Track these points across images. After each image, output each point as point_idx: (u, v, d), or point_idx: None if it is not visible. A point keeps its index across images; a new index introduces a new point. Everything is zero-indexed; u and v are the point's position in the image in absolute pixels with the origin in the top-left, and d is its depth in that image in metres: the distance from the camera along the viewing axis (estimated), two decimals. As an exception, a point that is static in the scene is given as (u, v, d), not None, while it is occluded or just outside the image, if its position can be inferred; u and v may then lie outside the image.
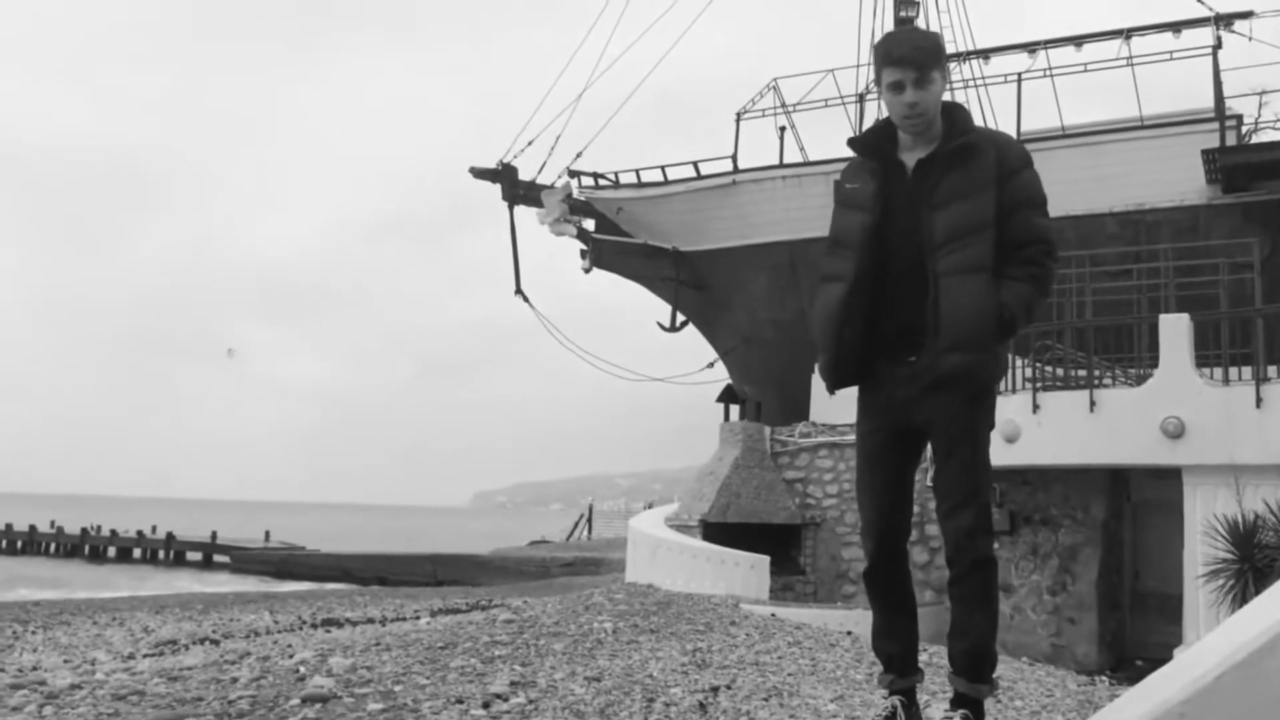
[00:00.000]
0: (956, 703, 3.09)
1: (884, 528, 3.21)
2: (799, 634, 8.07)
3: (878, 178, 3.15)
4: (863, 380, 3.21)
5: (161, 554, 45.41)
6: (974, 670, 3.07)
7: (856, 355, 3.13)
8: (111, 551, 46.53)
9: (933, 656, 7.07)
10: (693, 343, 23.55)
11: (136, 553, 46.16)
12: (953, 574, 3.10)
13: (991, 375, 3.12)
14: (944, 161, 3.07)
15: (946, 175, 3.06)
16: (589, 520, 49.95)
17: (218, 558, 43.27)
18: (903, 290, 3.06)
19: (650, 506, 27.03)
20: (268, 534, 48.97)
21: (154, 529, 48.65)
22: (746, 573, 13.19)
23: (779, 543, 15.27)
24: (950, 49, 20.95)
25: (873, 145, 3.23)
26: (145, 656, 9.33)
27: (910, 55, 3.06)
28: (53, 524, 50.44)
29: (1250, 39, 18.22)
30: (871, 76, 21.70)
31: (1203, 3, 18.94)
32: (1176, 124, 17.60)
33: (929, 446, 3.21)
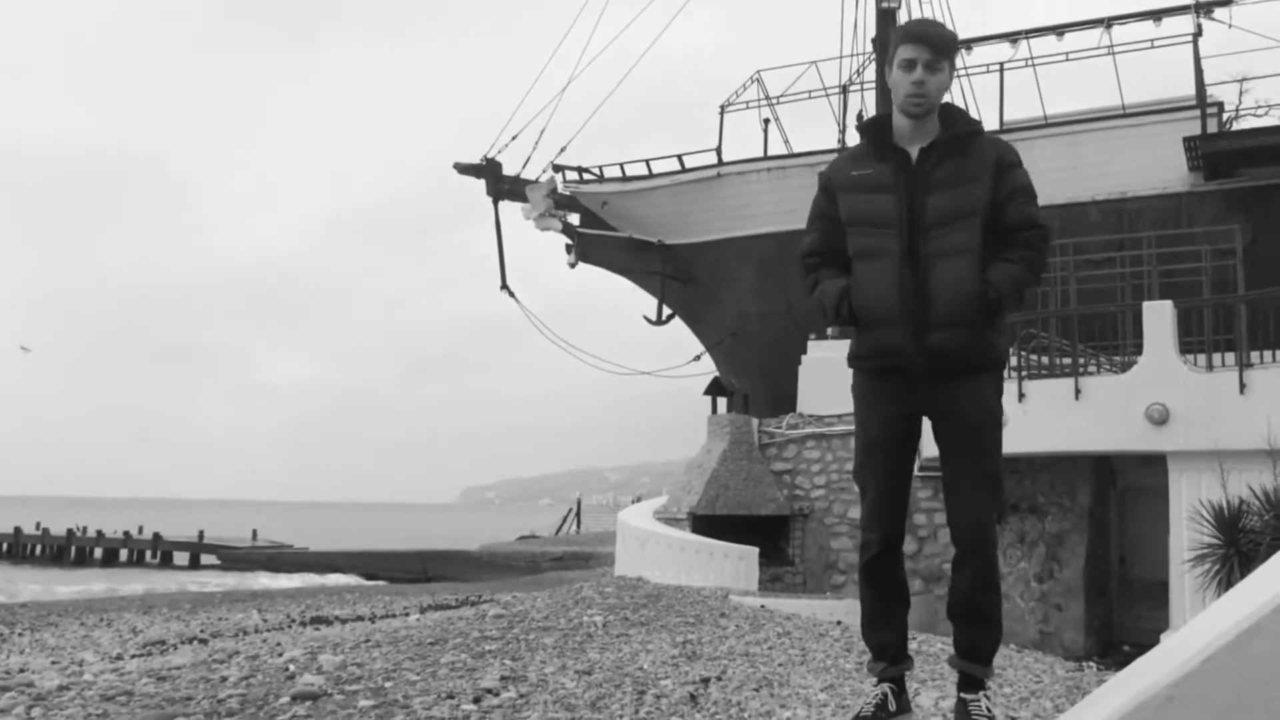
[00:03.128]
0: (971, 685, 3.18)
1: (889, 517, 3.24)
2: (788, 624, 8.09)
3: (890, 162, 3.20)
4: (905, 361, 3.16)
5: (149, 554, 45.19)
6: (991, 655, 3.20)
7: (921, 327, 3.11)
8: (98, 553, 46.28)
9: (921, 645, 7.10)
10: (680, 336, 23.57)
11: (123, 554, 45.90)
12: (972, 565, 3.14)
13: (986, 353, 3.15)
14: (944, 148, 3.16)
15: (943, 162, 3.15)
16: (578, 515, 49.97)
17: (205, 557, 43.08)
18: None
19: (639, 500, 27.05)
20: (255, 533, 48.82)
21: (140, 530, 48.41)
22: (735, 564, 13.21)
23: (767, 534, 15.30)
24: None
25: (874, 132, 3.28)
26: (133, 657, 9.29)
27: (931, 35, 3.18)
28: (38, 526, 50.15)
29: (1230, 26, 18.30)
30: (855, 72, 21.49)
31: (1183, -9, 19.02)
32: (1158, 112, 17.66)
33: (932, 433, 3.24)
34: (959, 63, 20.26)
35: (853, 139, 20.12)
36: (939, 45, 3.15)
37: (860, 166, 3.26)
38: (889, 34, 20.37)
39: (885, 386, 3.20)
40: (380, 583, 29.37)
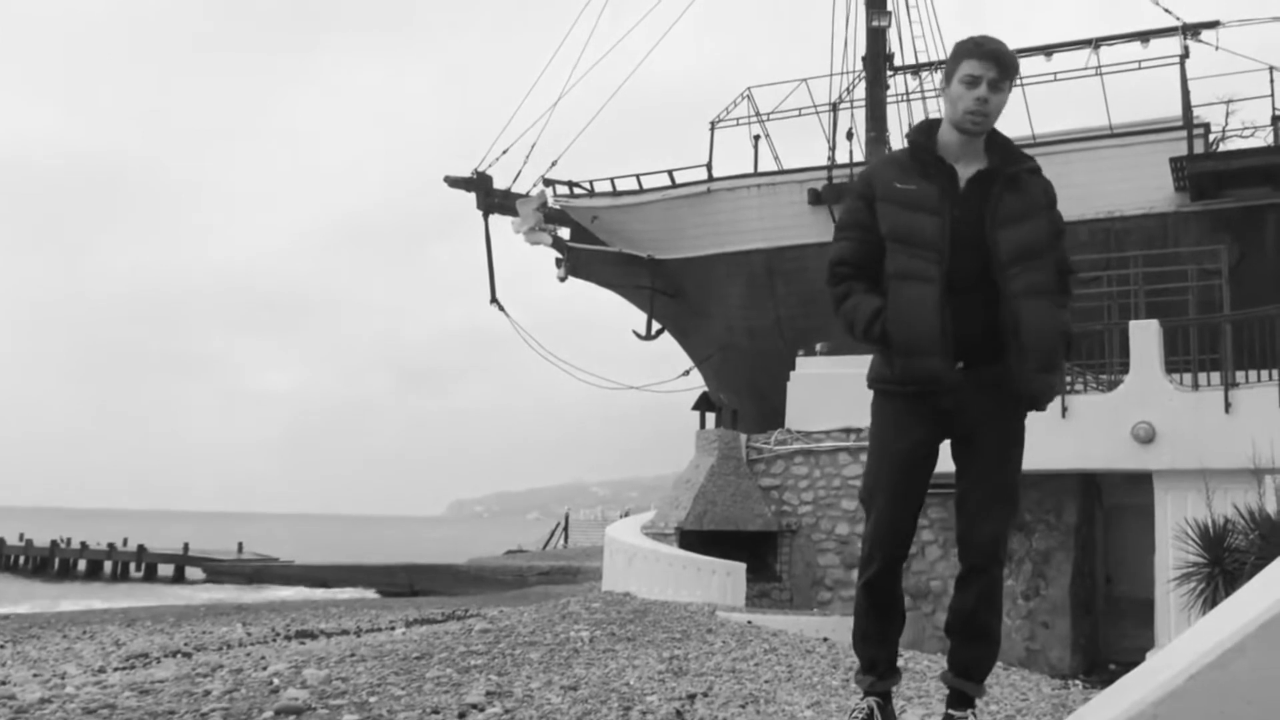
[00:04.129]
0: (960, 702, 3.20)
1: (897, 537, 3.24)
2: (775, 641, 8.08)
3: (934, 180, 3.12)
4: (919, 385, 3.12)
5: (133, 567, 44.85)
6: (986, 674, 3.23)
7: (954, 354, 3.07)
8: (82, 565, 45.94)
9: (908, 661, 7.10)
10: (669, 351, 23.59)
11: (107, 566, 45.55)
12: (979, 584, 3.17)
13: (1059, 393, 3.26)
14: (1005, 182, 3.13)
15: (1005, 196, 3.11)
16: (565, 529, 49.81)
17: (190, 570, 42.79)
18: (961, 299, 3.05)
19: (627, 515, 27.01)
20: (241, 545, 48.53)
21: (125, 541, 48.07)
22: (723, 580, 13.19)
23: (755, 550, 15.29)
24: (922, 59, 21.12)
25: (923, 143, 3.20)
26: (116, 670, 9.21)
27: (1001, 54, 3.11)
28: (21, 537, 49.76)
29: (1217, 48, 18.45)
30: (845, 90, 21.51)
31: (1170, 13, 19.20)
32: (1145, 132, 17.78)
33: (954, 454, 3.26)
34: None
35: (842, 156, 20.21)
36: (1007, 65, 3.11)
37: (905, 179, 3.15)
38: (880, 52, 20.56)
39: (917, 410, 3.14)
40: (367, 595, 29.21)
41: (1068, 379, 12.25)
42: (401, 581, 34.80)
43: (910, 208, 3.10)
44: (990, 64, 3.07)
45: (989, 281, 3.05)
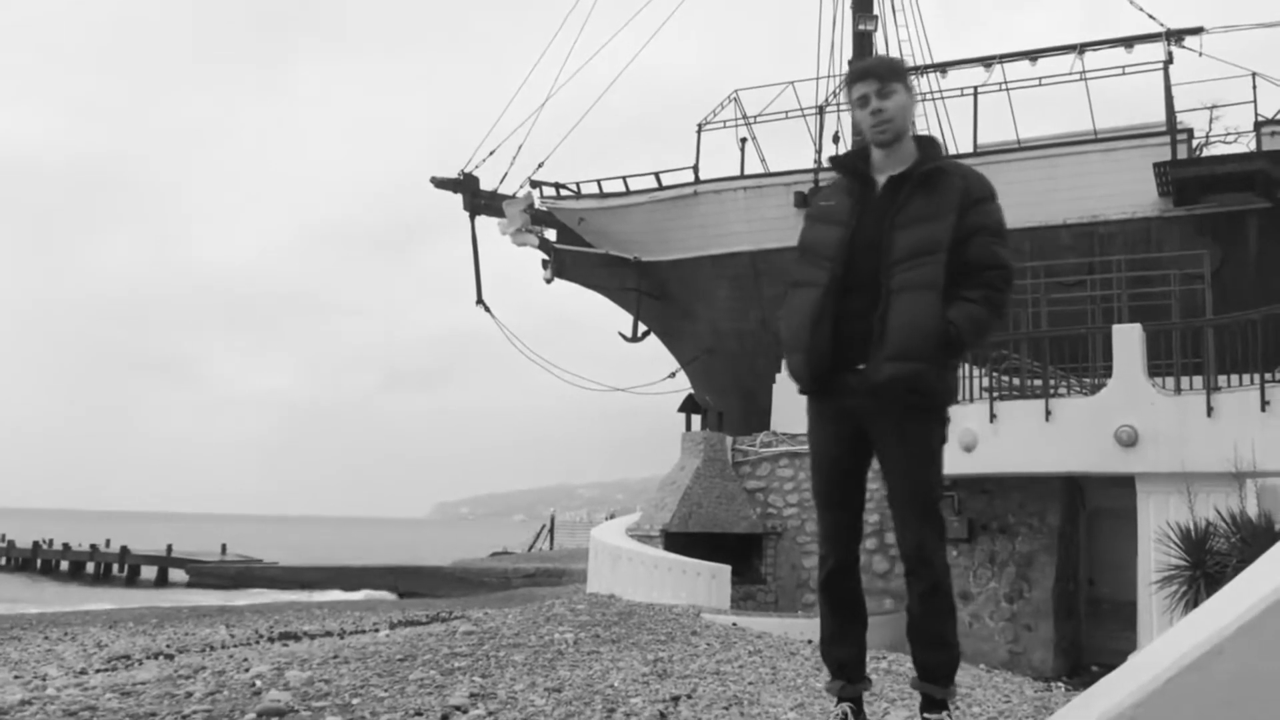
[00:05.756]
0: (932, 706, 3.20)
1: (842, 536, 3.30)
2: (760, 643, 8.09)
3: (854, 195, 3.29)
4: (822, 385, 3.25)
5: (116, 568, 44.60)
6: (950, 676, 3.22)
7: (829, 354, 3.18)
8: (64, 565, 45.67)
9: (891, 664, 7.12)
10: (655, 353, 23.59)
11: (90, 567, 45.31)
12: (919, 589, 3.18)
13: (934, 389, 3.15)
14: (913, 183, 3.21)
15: (913, 197, 3.19)
16: (551, 531, 49.76)
17: (173, 571, 42.57)
18: (859, 301, 3.15)
19: (613, 517, 27.00)
20: (224, 547, 48.31)
21: (108, 543, 47.81)
22: (708, 582, 13.20)
23: (740, 552, 15.31)
24: (909, 63, 21.20)
25: (849, 163, 3.37)
26: (98, 671, 9.16)
27: (872, 68, 3.31)
28: (3, 538, 49.43)
29: (1200, 54, 18.59)
30: (831, 93, 21.72)
31: (1154, 19, 19.33)
32: (1129, 137, 17.88)
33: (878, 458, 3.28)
34: (934, 84, 20.54)
35: (828, 159, 20.29)
36: (882, 72, 3.27)
37: (831, 196, 3.37)
38: (866, 56, 20.63)
39: (825, 407, 3.28)
40: (352, 597, 29.12)
41: (1053, 382, 12.31)
42: (386, 584, 34.71)
43: (822, 221, 3.31)
44: (867, 80, 3.26)
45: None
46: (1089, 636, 13.60)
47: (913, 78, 3.52)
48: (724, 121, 21.64)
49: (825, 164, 20.08)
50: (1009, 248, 3.25)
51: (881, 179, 3.26)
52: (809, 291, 3.23)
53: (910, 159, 3.25)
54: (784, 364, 3.40)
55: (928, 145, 3.32)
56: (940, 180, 3.20)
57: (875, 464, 3.30)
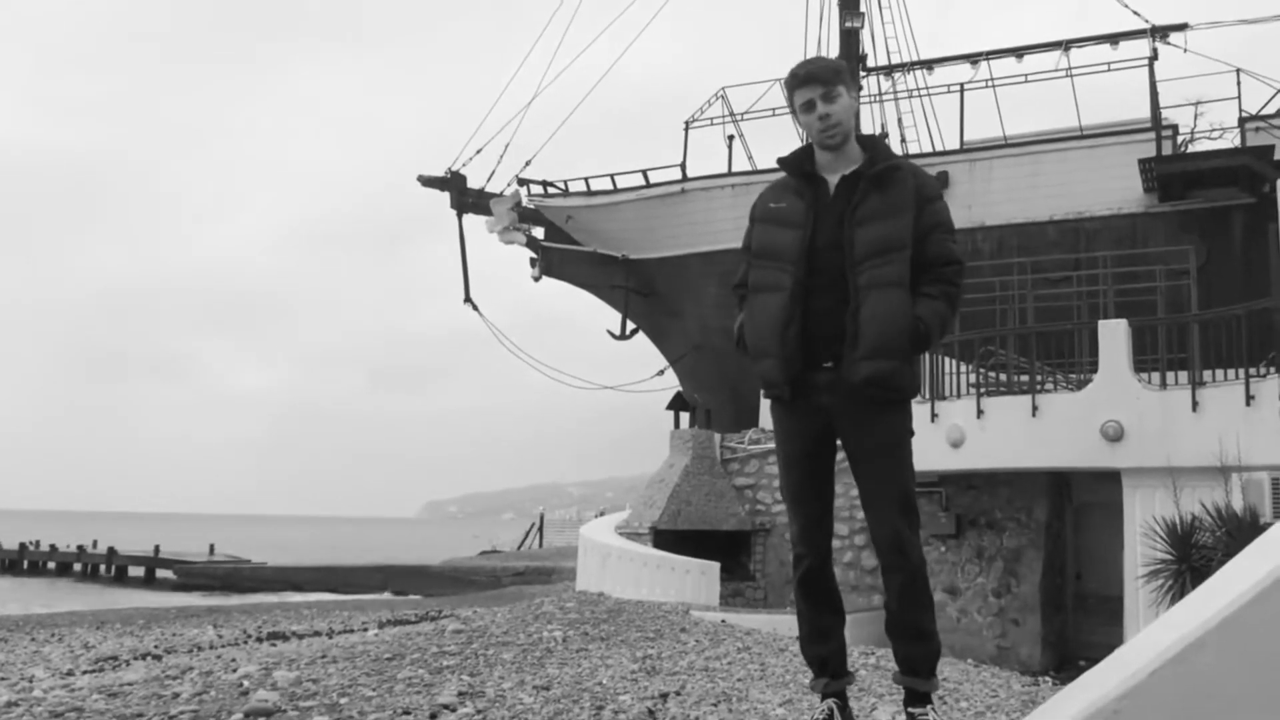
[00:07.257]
0: (916, 700, 3.22)
1: (815, 532, 3.32)
2: (748, 639, 8.11)
3: (804, 196, 3.28)
4: (793, 385, 3.26)
5: (103, 569, 44.39)
6: (932, 668, 3.24)
7: (801, 356, 3.19)
8: (51, 566, 45.45)
9: (880, 660, 7.14)
10: (643, 350, 23.59)
11: (77, 567, 45.10)
12: (896, 581, 3.18)
13: (906, 385, 3.20)
14: (868, 182, 3.22)
15: (869, 196, 3.21)
16: (540, 529, 49.74)
17: (161, 572, 42.37)
18: (825, 300, 3.18)
19: (602, 515, 26.99)
20: (212, 547, 48.09)
21: (95, 544, 47.58)
22: (697, 579, 13.21)
23: (729, 549, 15.32)
24: (895, 60, 21.22)
25: (796, 163, 3.36)
26: (85, 673, 9.13)
27: (815, 73, 3.28)
28: (-10, 539, 49.15)
29: (1186, 51, 18.64)
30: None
31: (1139, 15, 19.39)
32: (1114, 134, 17.93)
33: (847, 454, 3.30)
34: (920, 81, 20.58)
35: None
36: (827, 76, 3.26)
37: (780, 199, 3.35)
38: (853, 53, 20.67)
39: (793, 406, 3.29)
40: (341, 597, 29.07)
41: (1040, 378, 12.34)
42: (376, 583, 34.64)
43: (776, 224, 3.30)
44: (810, 85, 3.26)
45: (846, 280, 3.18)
46: (1076, 631, 13.65)
47: (852, 76, 3.54)
48: (711, 119, 21.65)
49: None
50: (957, 244, 3.31)
51: (833, 179, 3.27)
52: (773, 296, 3.23)
53: (858, 158, 3.28)
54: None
55: (875, 144, 3.35)
56: (894, 178, 3.23)
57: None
